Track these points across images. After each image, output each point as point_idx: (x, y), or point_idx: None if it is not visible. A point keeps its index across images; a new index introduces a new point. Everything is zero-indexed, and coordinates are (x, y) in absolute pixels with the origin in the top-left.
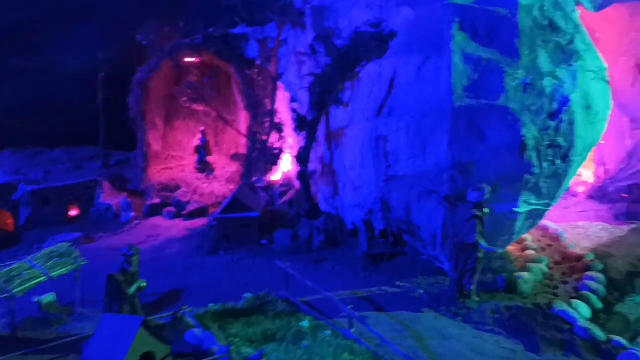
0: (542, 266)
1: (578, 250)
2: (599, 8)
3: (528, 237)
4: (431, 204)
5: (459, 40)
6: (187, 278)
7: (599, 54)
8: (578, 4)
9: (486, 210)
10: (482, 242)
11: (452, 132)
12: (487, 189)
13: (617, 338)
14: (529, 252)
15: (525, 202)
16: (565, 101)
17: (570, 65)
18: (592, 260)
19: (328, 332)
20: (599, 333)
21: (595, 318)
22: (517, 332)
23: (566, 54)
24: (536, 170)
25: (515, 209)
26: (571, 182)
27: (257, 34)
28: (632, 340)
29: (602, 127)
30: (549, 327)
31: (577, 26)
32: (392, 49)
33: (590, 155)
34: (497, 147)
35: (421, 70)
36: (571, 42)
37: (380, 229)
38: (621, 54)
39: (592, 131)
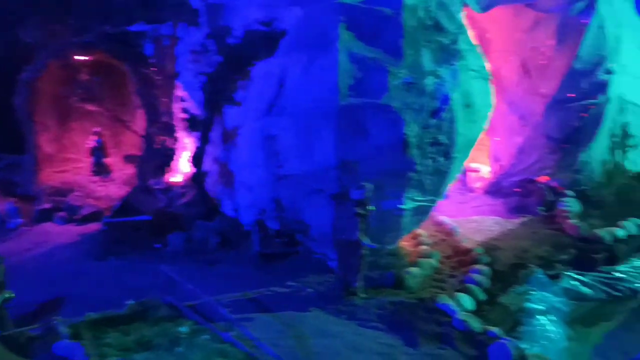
0: (433, 261)
1: (469, 244)
2: (485, 9)
3: (423, 233)
4: (320, 202)
5: (345, 40)
6: (73, 286)
7: (482, 54)
8: (465, 4)
9: (371, 207)
10: (365, 240)
11: (337, 131)
12: (368, 187)
13: (493, 329)
14: (423, 247)
15: (410, 198)
16: (446, 99)
17: (452, 65)
18: (479, 254)
19: (206, 337)
20: (476, 325)
21: (478, 309)
22: (398, 327)
23: (449, 54)
24: (419, 168)
25: (400, 206)
26: (471, 178)
27: (154, 31)
28: (511, 329)
29: (482, 125)
30: (429, 320)
31: (461, 26)
32: (281, 47)
33: (487, 151)
34: (381, 145)
35: (309, 70)
36: (454, 41)
37: (274, 229)
38: (509, 54)
39: (473, 128)
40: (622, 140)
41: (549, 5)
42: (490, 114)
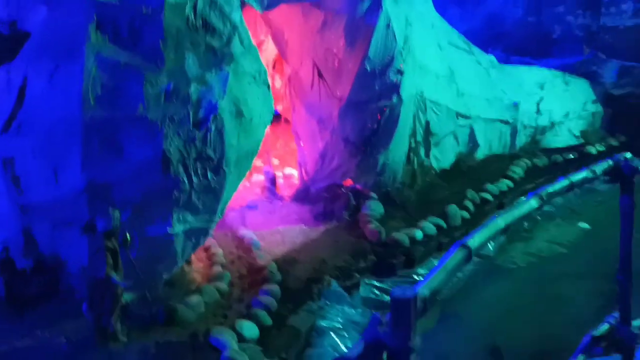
0: (222, 284)
1: (263, 261)
2: (267, 8)
3: (219, 251)
4: (74, 234)
5: (95, 43)
6: None
7: (260, 56)
8: (245, 3)
9: (127, 236)
10: (115, 276)
11: (84, 150)
12: (116, 214)
13: None
14: (215, 269)
15: (180, 221)
16: (212, 108)
17: (221, 70)
18: (272, 271)
19: None
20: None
21: (264, 336)
22: None
23: (218, 57)
24: (185, 186)
25: (169, 230)
26: (281, 185)
27: None
28: (299, 354)
29: (261, 134)
30: None
31: (235, 27)
32: (24, 53)
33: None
34: (139, 163)
35: (54, 79)
36: (227, 44)
37: (28, 267)
38: (304, 56)
39: (248, 139)
40: (425, 139)
41: (334, 5)
42: (271, 121)
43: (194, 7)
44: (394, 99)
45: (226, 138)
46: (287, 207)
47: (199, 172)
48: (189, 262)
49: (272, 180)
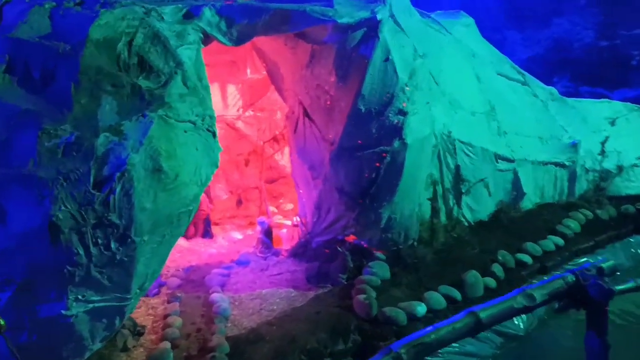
0: None
1: (218, 339)
2: (238, 42)
3: (176, 322)
4: None
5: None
6: None
7: (210, 99)
8: (207, 36)
9: (2, 322)
10: None
11: None
12: None
13: None
14: (161, 346)
15: (78, 300)
16: (120, 164)
17: (144, 116)
18: (213, 356)
19: None
20: None
21: None
22: None
23: (145, 101)
24: (81, 259)
25: (64, 311)
26: (282, 236)
27: None
28: None
29: (191, 191)
30: None
31: (179, 64)
32: None
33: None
34: (24, 232)
35: None
36: (164, 85)
37: None
38: (296, 93)
39: (171, 199)
40: (454, 186)
41: (320, 35)
42: (211, 175)
43: (130, 43)
44: (396, 143)
45: (136, 200)
46: (281, 264)
47: (100, 242)
48: (140, 333)
49: (268, 233)
